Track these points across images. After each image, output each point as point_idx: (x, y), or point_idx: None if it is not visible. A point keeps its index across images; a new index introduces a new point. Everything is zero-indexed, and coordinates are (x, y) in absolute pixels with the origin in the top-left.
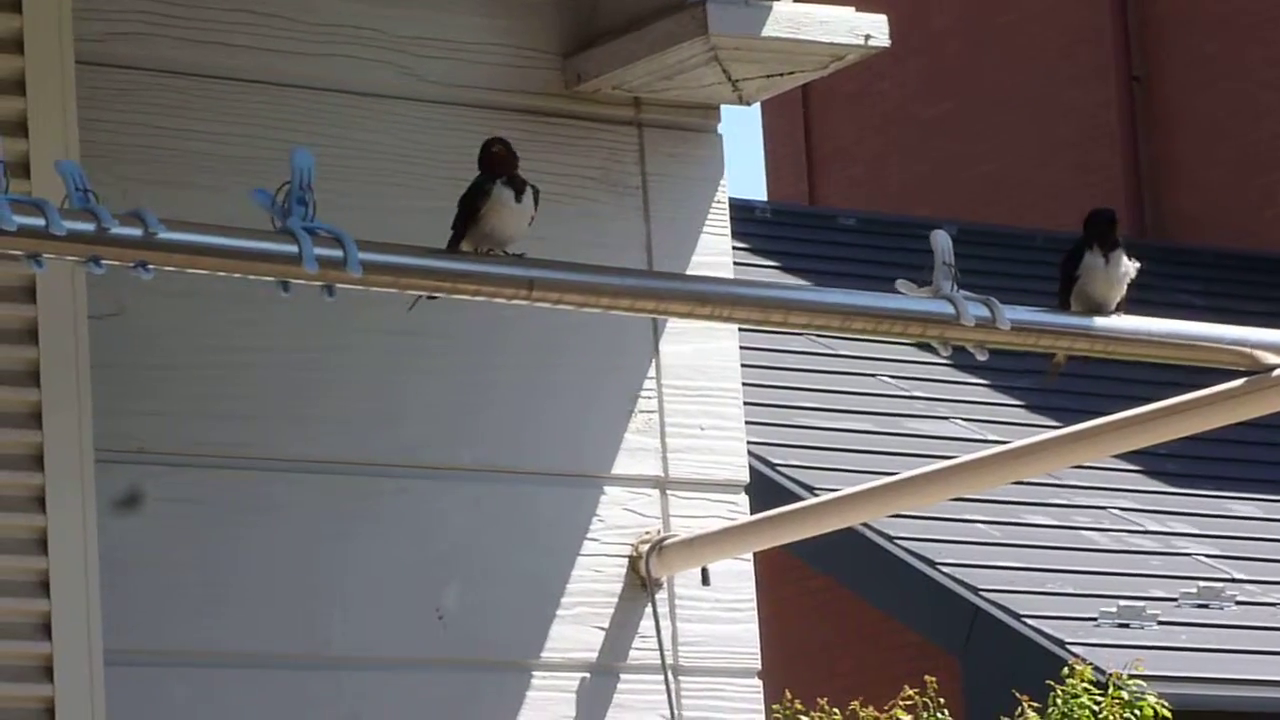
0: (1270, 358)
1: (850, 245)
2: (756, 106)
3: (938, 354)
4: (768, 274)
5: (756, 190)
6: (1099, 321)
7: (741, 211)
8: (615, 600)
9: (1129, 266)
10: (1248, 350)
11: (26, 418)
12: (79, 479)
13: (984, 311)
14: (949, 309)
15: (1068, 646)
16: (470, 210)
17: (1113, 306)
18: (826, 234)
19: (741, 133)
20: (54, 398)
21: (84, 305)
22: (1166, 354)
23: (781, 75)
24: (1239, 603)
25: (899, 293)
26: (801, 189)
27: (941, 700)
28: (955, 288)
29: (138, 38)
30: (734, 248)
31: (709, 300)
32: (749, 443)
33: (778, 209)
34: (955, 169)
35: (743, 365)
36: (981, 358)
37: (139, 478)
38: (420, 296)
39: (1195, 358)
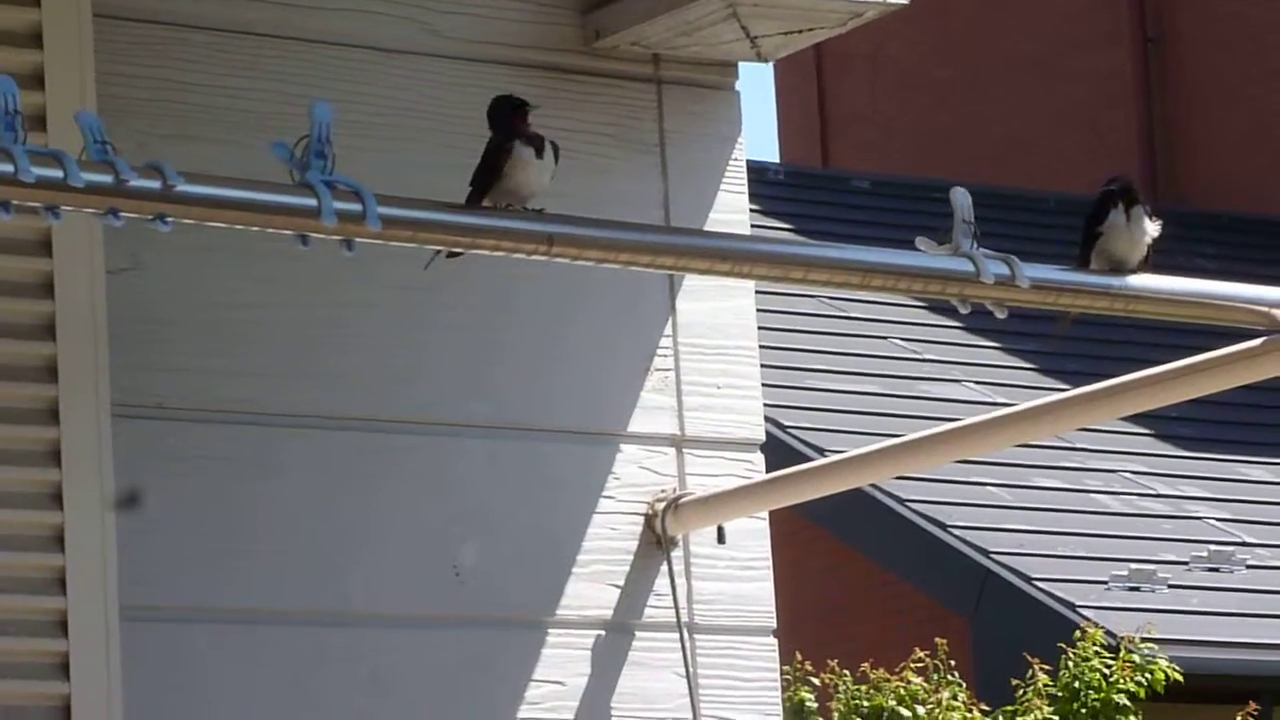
0: None
1: (863, 208)
2: (770, 68)
3: (951, 315)
4: (781, 236)
5: (770, 152)
6: (1119, 280)
7: (755, 174)
8: (631, 558)
9: (1152, 227)
10: (1266, 310)
11: (42, 371)
12: (95, 434)
13: (1004, 269)
14: (969, 266)
15: (1078, 609)
16: (493, 169)
17: (1133, 265)
18: (840, 196)
19: (755, 95)
20: (70, 352)
21: (101, 259)
22: (1185, 313)
23: (800, 32)
24: (1250, 566)
25: (918, 250)
26: (815, 151)
27: (952, 663)
28: (975, 245)
29: None
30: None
31: (729, 257)
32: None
33: (791, 171)
34: (968, 131)
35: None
36: (1001, 315)
37: (155, 433)
38: (437, 253)
39: (1214, 317)
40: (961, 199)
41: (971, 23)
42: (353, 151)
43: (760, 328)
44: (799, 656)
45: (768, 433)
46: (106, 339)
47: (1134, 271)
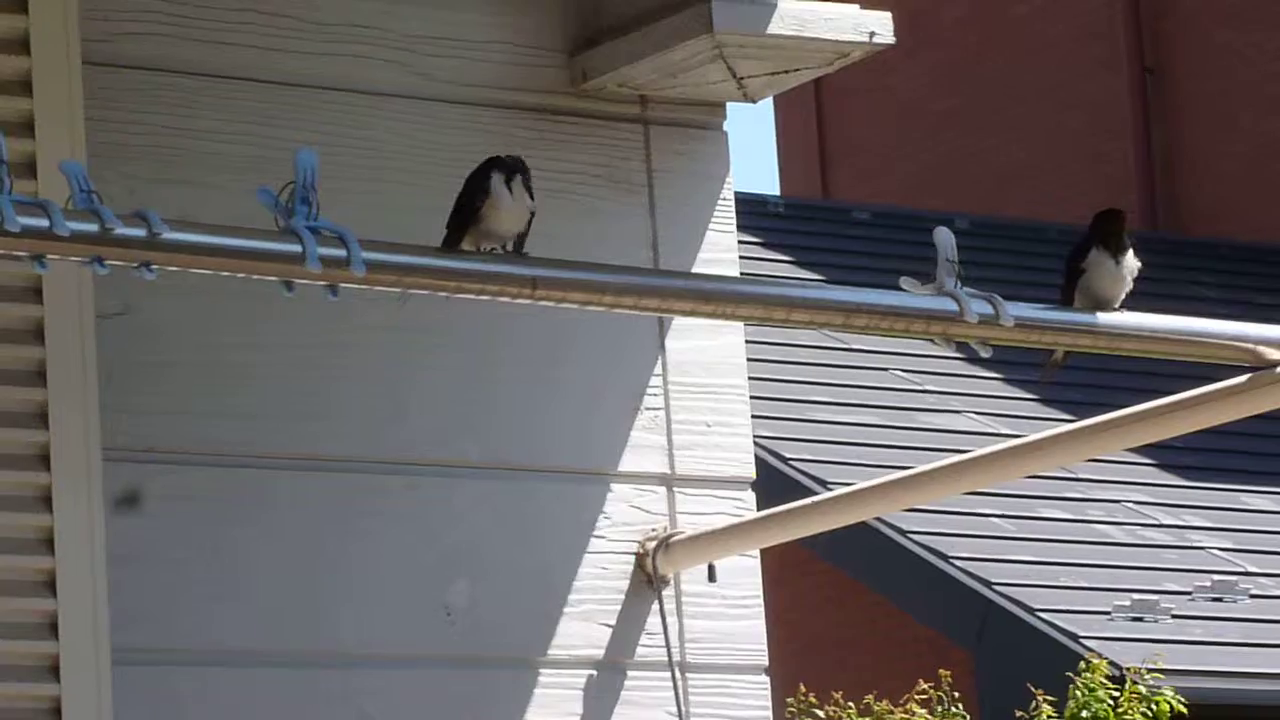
0: (1273, 353)
1: (863, 239)
2: (769, 101)
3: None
4: (780, 269)
5: (770, 185)
6: (1102, 318)
7: (754, 206)
8: (622, 597)
9: (1134, 264)
10: (1250, 346)
11: (33, 417)
12: (86, 478)
13: (987, 308)
14: (952, 306)
15: (1081, 640)
16: (470, 208)
17: (1117, 304)
18: (839, 228)
19: (754, 127)
20: (60, 397)
21: (90, 304)
22: (1169, 350)
23: (786, 72)
24: (1253, 596)
25: (903, 289)
26: (814, 183)
27: (956, 694)
28: (959, 284)
29: (145, 38)
30: (747, 242)
31: (712, 298)
32: (760, 437)
33: (791, 203)
34: (968, 162)
35: (754, 360)
36: (985, 354)
37: (145, 476)
38: (408, 293)
39: (1198, 354)
40: (945, 238)
41: (970, 54)
42: (339, 194)
43: (759, 359)
44: (803, 689)
45: (768, 465)
46: (97, 383)
47: (1118, 309)
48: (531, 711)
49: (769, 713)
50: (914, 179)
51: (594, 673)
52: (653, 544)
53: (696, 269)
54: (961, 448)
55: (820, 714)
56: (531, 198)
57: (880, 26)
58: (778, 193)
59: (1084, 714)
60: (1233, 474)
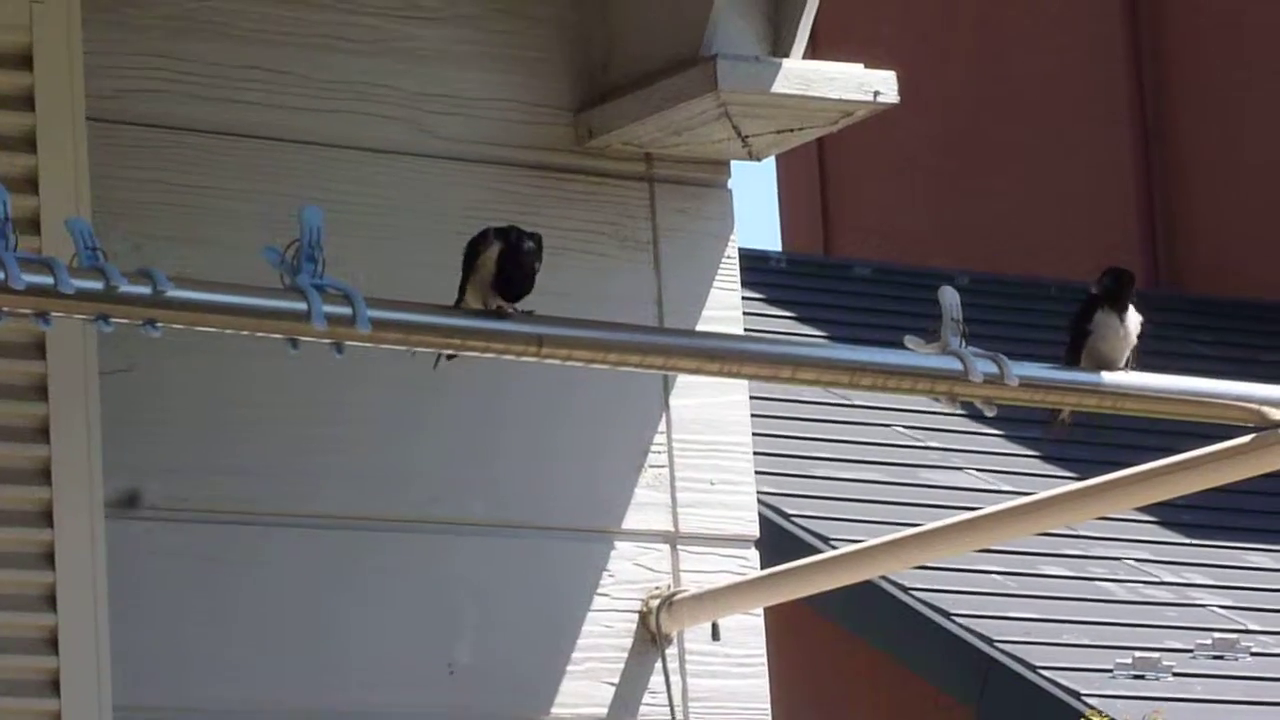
0: (1277, 414)
1: (866, 295)
2: (771, 156)
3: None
4: (782, 325)
5: (771, 241)
6: (1107, 377)
7: (756, 262)
8: (625, 655)
9: (1136, 322)
10: (1255, 406)
11: (36, 474)
12: (89, 535)
13: (992, 368)
14: (957, 365)
15: (1083, 698)
16: (470, 260)
17: (1122, 363)
18: (842, 284)
19: (756, 183)
20: (64, 454)
21: (94, 361)
22: (1174, 410)
23: (792, 131)
24: (1254, 654)
25: (908, 348)
26: (816, 239)
27: None
28: (964, 343)
29: (150, 94)
30: (749, 298)
31: (718, 356)
32: (762, 494)
33: (793, 259)
34: (970, 219)
35: (756, 416)
36: (990, 413)
37: (149, 534)
38: (441, 355)
39: (1202, 414)
40: (950, 297)
41: (972, 111)
42: (345, 252)
43: (762, 416)
44: None
45: (770, 522)
46: (100, 440)
47: (1122, 368)
48: None
49: None
50: (916, 236)
51: None
52: (656, 602)
53: (701, 327)
54: (965, 505)
55: None
56: (540, 257)
57: (884, 86)
58: (779, 248)
59: None
60: (1234, 532)
